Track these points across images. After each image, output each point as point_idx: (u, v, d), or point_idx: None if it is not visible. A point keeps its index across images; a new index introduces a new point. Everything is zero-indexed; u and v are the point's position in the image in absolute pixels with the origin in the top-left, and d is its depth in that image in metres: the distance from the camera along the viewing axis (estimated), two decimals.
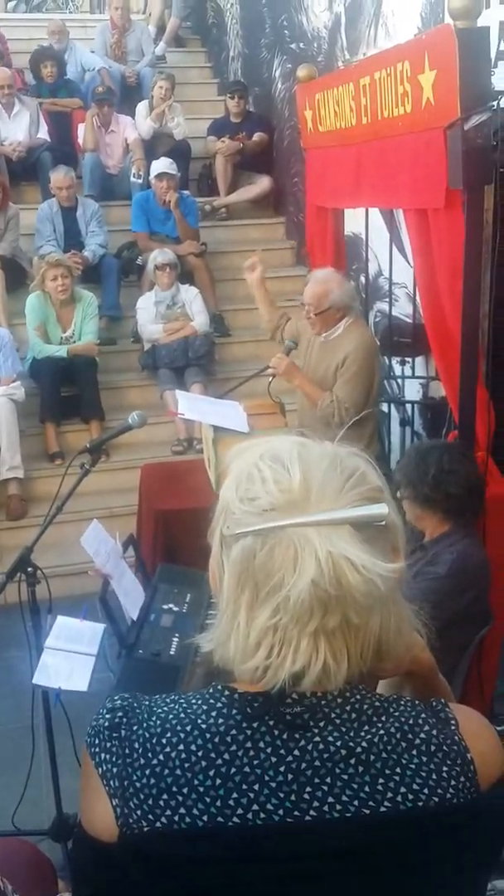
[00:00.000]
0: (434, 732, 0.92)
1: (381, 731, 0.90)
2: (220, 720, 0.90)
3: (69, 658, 2.53)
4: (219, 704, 0.92)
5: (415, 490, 2.65)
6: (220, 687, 0.93)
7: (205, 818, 0.87)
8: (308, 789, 0.88)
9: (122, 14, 7.79)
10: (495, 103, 2.45)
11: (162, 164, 6.18)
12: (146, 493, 4.35)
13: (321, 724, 0.89)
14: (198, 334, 5.77)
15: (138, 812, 0.88)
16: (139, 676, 2.38)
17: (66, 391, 5.49)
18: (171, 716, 0.92)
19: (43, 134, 6.88)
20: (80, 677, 2.46)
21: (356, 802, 0.87)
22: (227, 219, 7.16)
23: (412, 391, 4.78)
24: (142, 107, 7.17)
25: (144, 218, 6.33)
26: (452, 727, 0.93)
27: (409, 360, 4.68)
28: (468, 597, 2.59)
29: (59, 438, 5.42)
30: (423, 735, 0.91)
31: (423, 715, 0.93)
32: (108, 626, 2.56)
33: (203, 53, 9.01)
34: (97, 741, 0.93)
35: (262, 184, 7.14)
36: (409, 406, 4.82)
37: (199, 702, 0.93)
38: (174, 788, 0.88)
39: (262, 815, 0.87)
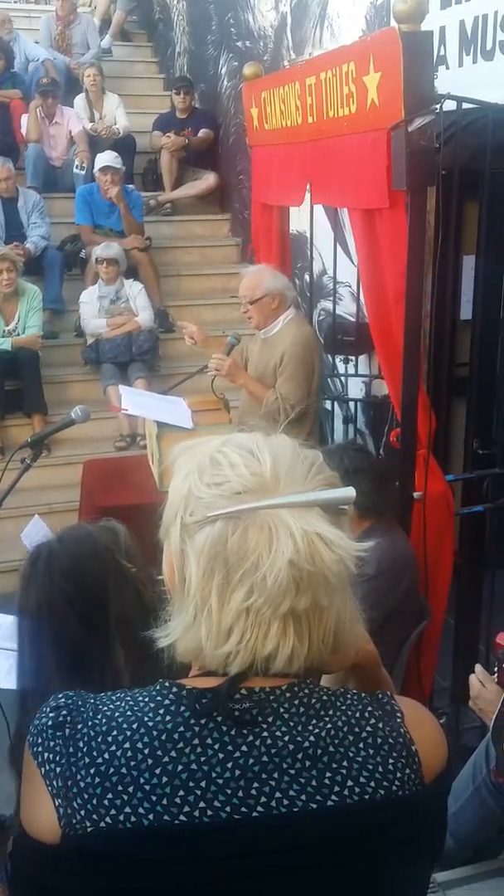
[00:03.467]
0: (380, 725, 0.92)
1: (329, 726, 0.90)
2: (168, 717, 0.89)
3: (7, 656, 2.48)
4: (166, 702, 0.91)
5: None
6: (167, 684, 0.92)
7: (150, 817, 0.86)
8: (255, 785, 0.87)
9: (66, 6, 7.68)
10: (438, 106, 2.49)
11: (106, 158, 6.11)
12: (88, 489, 4.30)
13: (269, 719, 0.89)
14: (142, 329, 5.73)
15: (82, 812, 0.87)
16: None
17: (8, 384, 5.41)
18: (117, 713, 0.91)
19: None
20: None
21: (303, 797, 0.87)
22: (171, 214, 7.13)
23: (355, 389, 4.83)
24: (79, 100, 7.09)
25: (88, 211, 6.26)
26: (398, 719, 0.94)
27: (353, 358, 4.73)
28: (402, 589, 2.63)
29: (1, 432, 5.33)
30: (369, 728, 0.92)
31: (370, 708, 0.94)
32: None
33: (149, 48, 8.94)
34: (40, 740, 0.91)
35: (208, 180, 7.13)
36: (352, 404, 4.87)
37: (146, 699, 0.92)
38: (119, 787, 0.87)
39: (209, 813, 0.86)
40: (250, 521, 0.86)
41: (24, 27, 8.01)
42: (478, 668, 1.92)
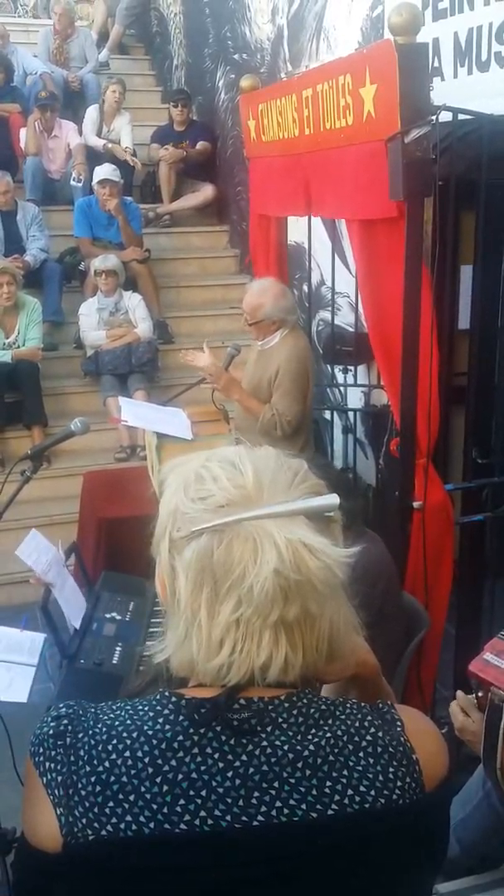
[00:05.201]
0: (380, 734, 0.92)
1: (329, 735, 0.91)
2: (167, 727, 0.90)
3: (8, 668, 2.48)
4: (165, 711, 0.91)
5: None
6: (167, 693, 0.93)
7: (151, 825, 0.86)
8: (256, 794, 0.87)
9: (63, 20, 7.73)
10: (434, 117, 2.50)
11: (105, 171, 6.14)
12: (89, 501, 4.30)
13: (268, 728, 0.89)
14: (141, 341, 5.75)
15: (83, 820, 0.87)
16: (81, 686, 2.35)
17: (8, 397, 5.42)
18: (117, 723, 0.91)
19: None
20: (20, 688, 2.42)
21: (304, 806, 0.88)
22: (170, 226, 7.16)
23: (354, 399, 4.84)
24: (92, 111, 7.13)
25: (87, 223, 6.29)
26: (398, 728, 0.94)
27: (352, 368, 4.74)
28: (378, 591, 2.64)
29: (1, 444, 5.34)
30: (369, 737, 0.92)
31: (370, 717, 0.94)
32: (49, 635, 2.52)
33: (147, 61, 9.00)
34: (41, 749, 0.92)
35: (206, 192, 7.16)
36: (351, 414, 4.87)
37: (146, 708, 0.92)
38: (120, 796, 0.87)
39: (210, 822, 0.87)
40: (235, 533, 0.87)
41: (22, 41, 8.06)
42: (459, 694, 1.89)
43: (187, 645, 0.90)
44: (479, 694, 1.74)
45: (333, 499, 0.90)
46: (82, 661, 2.42)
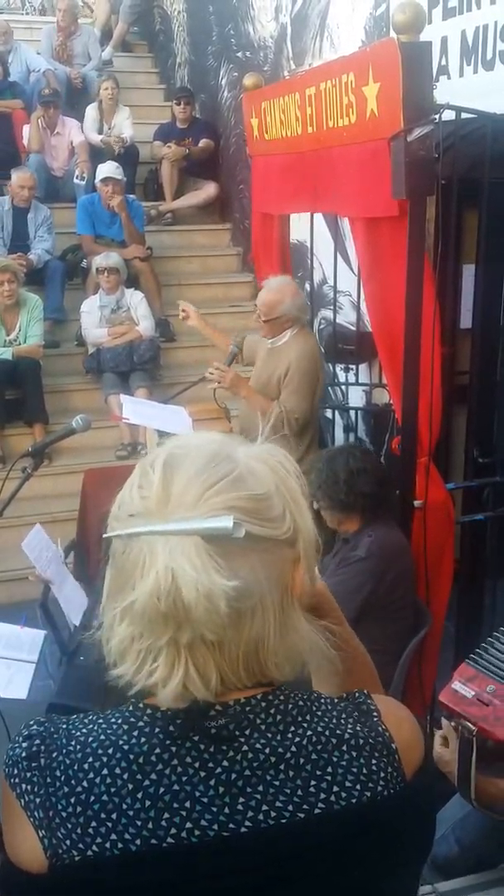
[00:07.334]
0: (359, 727, 0.92)
1: (309, 732, 0.89)
2: (143, 739, 0.88)
3: (8, 665, 2.49)
4: (140, 724, 0.89)
5: (331, 499, 2.78)
6: (140, 704, 0.90)
7: (138, 842, 0.84)
8: (241, 800, 0.86)
9: (67, 17, 7.73)
10: (437, 116, 2.50)
11: (108, 169, 6.14)
12: (90, 498, 4.30)
13: (247, 732, 0.88)
14: (143, 339, 5.75)
15: (67, 842, 0.85)
16: (80, 683, 2.35)
17: (9, 394, 5.42)
18: (90, 738, 0.89)
19: None
20: (20, 684, 2.42)
21: (290, 807, 0.86)
22: (172, 224, 7.16)
23: (356, 398, 4.84)
24: (91, 110, 7.14)
25: (90, 221, 6.29)
26: (375, 718, 0.93)
27: (353, 367, 4.73)
28: (390, 576, 2.69)
29: (2, 442, 5.34)
30: (350, 731, 0.91)
31: (347, 710, 0.93)
32: (48, 632, 2.52)
33: (150, 59, 8.99)
34: (16, 771, 0.89)
35: (208, 190, 7.16)
36: (352, 412, 4.87)
37: (120, 721, 0.90)
38: (102, 815, 0.85)
39: (197, 832, 0.85)
40: (133, 545, 0.84)
41: (25, 38, 8.05)
42: (444, 722, 1.88)
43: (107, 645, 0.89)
44: (452, 724, 1.73)
45: (225, 522, 0.82)
46: (82, 657, 2.43)
